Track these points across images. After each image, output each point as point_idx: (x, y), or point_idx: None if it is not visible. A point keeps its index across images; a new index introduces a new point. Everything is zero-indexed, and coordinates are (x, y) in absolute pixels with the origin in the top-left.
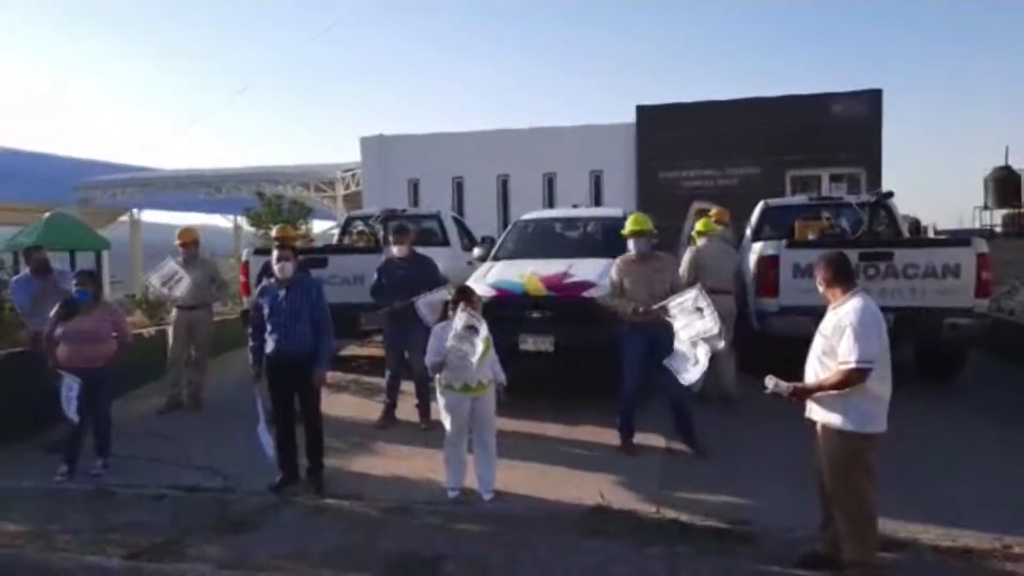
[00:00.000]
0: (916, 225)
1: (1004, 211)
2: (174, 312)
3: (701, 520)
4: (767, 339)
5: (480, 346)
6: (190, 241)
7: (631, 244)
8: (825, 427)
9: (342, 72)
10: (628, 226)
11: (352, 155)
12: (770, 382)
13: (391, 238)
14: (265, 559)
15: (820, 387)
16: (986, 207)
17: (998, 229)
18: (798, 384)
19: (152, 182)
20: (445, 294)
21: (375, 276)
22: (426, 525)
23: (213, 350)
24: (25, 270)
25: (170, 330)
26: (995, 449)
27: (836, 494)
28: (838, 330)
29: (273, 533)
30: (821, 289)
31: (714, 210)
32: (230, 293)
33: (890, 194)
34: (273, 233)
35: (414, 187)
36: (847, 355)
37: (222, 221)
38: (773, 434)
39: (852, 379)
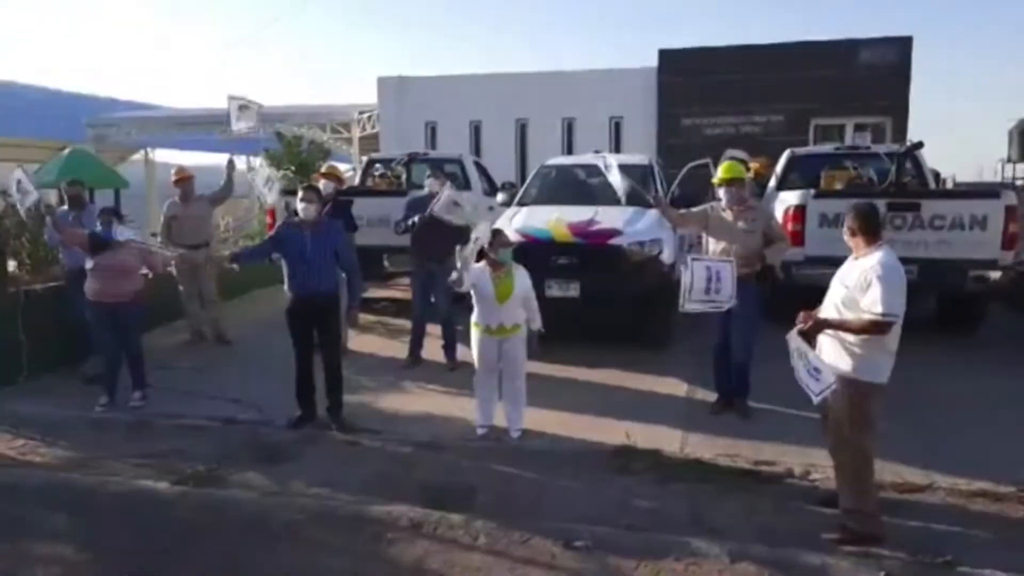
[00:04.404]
0: (936, 177)
1: None
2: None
3: (725, 461)
4: (791, 288)
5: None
6: (184, 179)
7: (722, 193)
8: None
9: (359, 11)
10: (719, 174)
11: (367, 97)
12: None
13: (430, 178)
14: (304, 488)
15: (841, 326)
16: (1009, 160)
17: (1019, 183)
18: (818, 316)
19: (167, 120)
20: (449, 195)
21: (404, 209)
22: (457, 460)
23: (243, 288)
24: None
25: (173, 270)
26: (1013, 401)
27: (837, 441)
28: (862, 281)
29: (310, 464)
30: (847, 238)
31: (754, 164)
32: (251, 232)
33: (920, 144)
34: (322, 170)
35: (432, 130)
36: (872, 306)
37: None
38: (794, 380)
39: (871, 330)
